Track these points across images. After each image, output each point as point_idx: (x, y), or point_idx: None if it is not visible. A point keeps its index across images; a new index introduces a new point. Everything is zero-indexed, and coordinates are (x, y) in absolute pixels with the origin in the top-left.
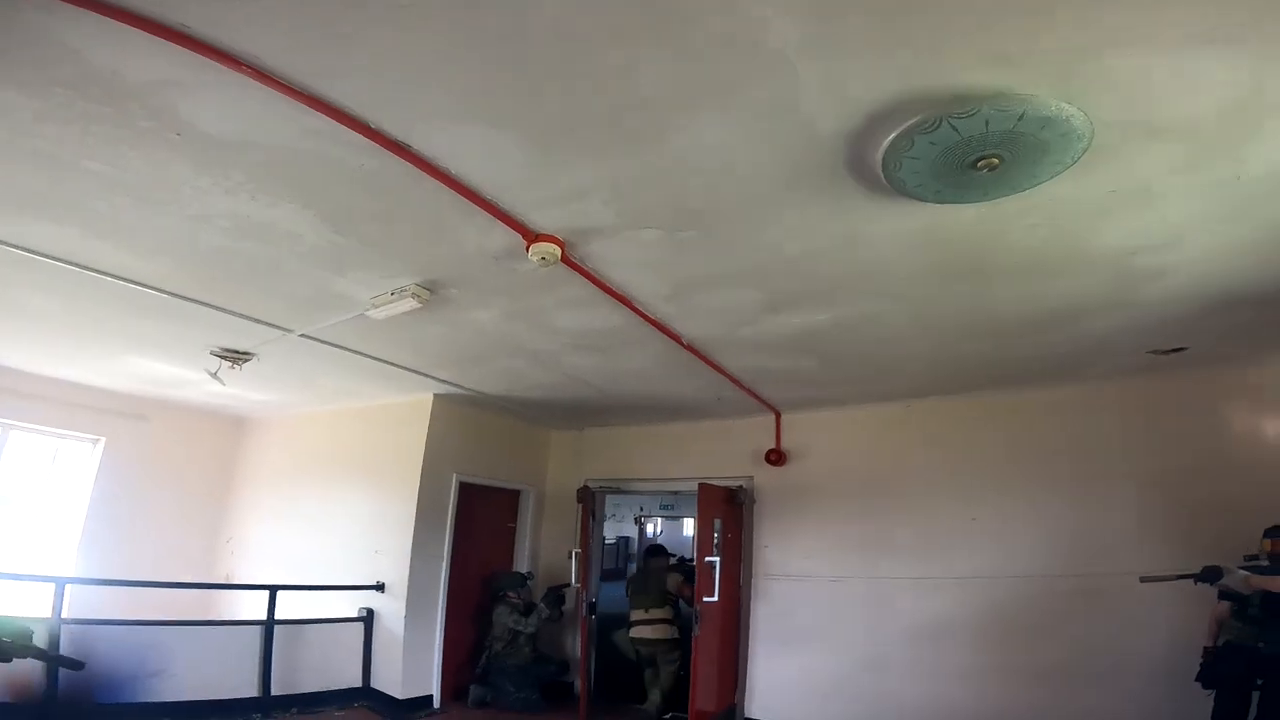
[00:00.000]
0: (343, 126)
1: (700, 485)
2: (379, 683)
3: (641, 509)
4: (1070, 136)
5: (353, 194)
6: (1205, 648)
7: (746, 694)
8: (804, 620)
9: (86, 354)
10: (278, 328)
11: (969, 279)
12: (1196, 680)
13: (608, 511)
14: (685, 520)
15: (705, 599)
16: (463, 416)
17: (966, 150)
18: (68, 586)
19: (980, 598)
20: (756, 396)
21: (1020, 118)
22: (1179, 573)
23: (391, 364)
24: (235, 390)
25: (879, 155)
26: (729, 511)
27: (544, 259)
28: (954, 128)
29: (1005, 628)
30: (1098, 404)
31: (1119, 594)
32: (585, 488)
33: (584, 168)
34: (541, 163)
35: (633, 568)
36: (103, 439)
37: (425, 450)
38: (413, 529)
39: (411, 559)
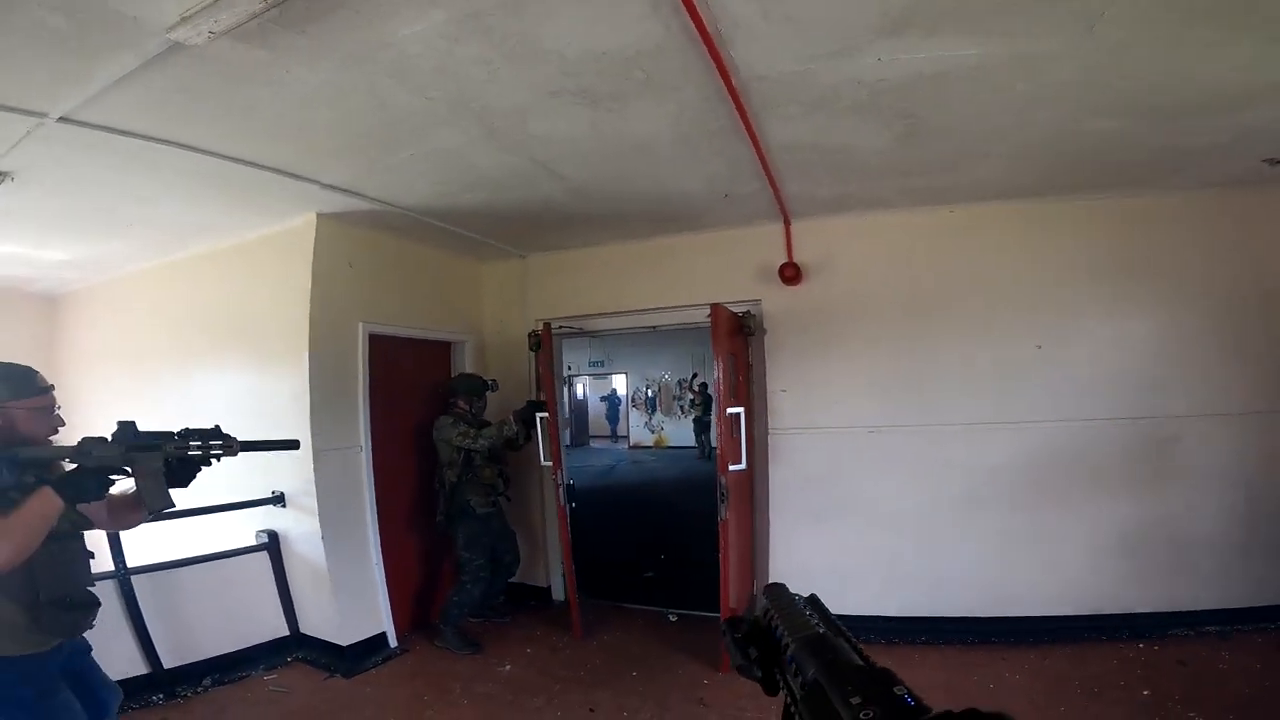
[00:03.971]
0: None
1: (714, 307)
2: (311, 627)
3: (570, 367)
4: None
5: None
6: None
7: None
8: (836, 486)
9: None
10: (22, 111)
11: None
12: None
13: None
14: (613, 378)
15: (732, 466)
16: (364, 244)
17: None
18: None
19: (1049, 447)
20: (776, 193)
21: None
22: None
23: (241, 161)
24: (15, 249)
25: None
26: (739, 346)
27: None
28: None
29: (1076, 484)
30: (1187, 214)
31: (1199, 440)
32: (546, 327)
33: None
34: None
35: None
36: None
37: (312, 293)
38: (309, 410)
39: (315, 454)
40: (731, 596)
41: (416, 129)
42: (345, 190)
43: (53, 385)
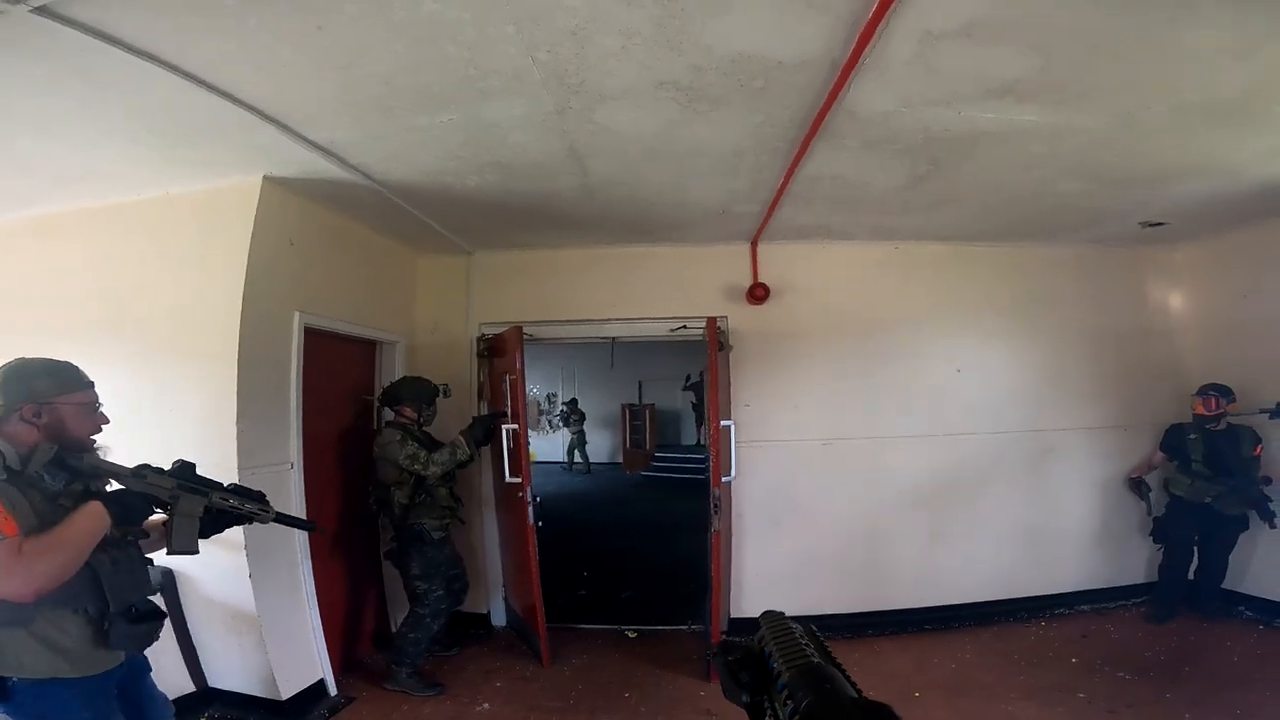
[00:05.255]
0: None
1: (710, 321)
2: (225, 680)
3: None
4: None
5: None
6: (1130, 478)
7: (735, 590)
8: (792, 494)
9: None
10: None
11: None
12: (1150, 535)
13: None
14: None
15: (724, 478)
16: (306, 219)
17: None
18: None
19: (965, 455)
20: (769, 216)
21: None
22: None
23: (228, 96)
24: None
25: None
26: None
27: None
28: None
29: (985, 486)
30: (1073, 264)
31: (1071, 450)
32: (517, 331)
33: None
34: None
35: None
36: None
37: (247, 274)
38: (235, 419)
39: (241, 474)
40: (721, 608)
41: (485, 91)
42: (325, 151)
43: (93, 381)
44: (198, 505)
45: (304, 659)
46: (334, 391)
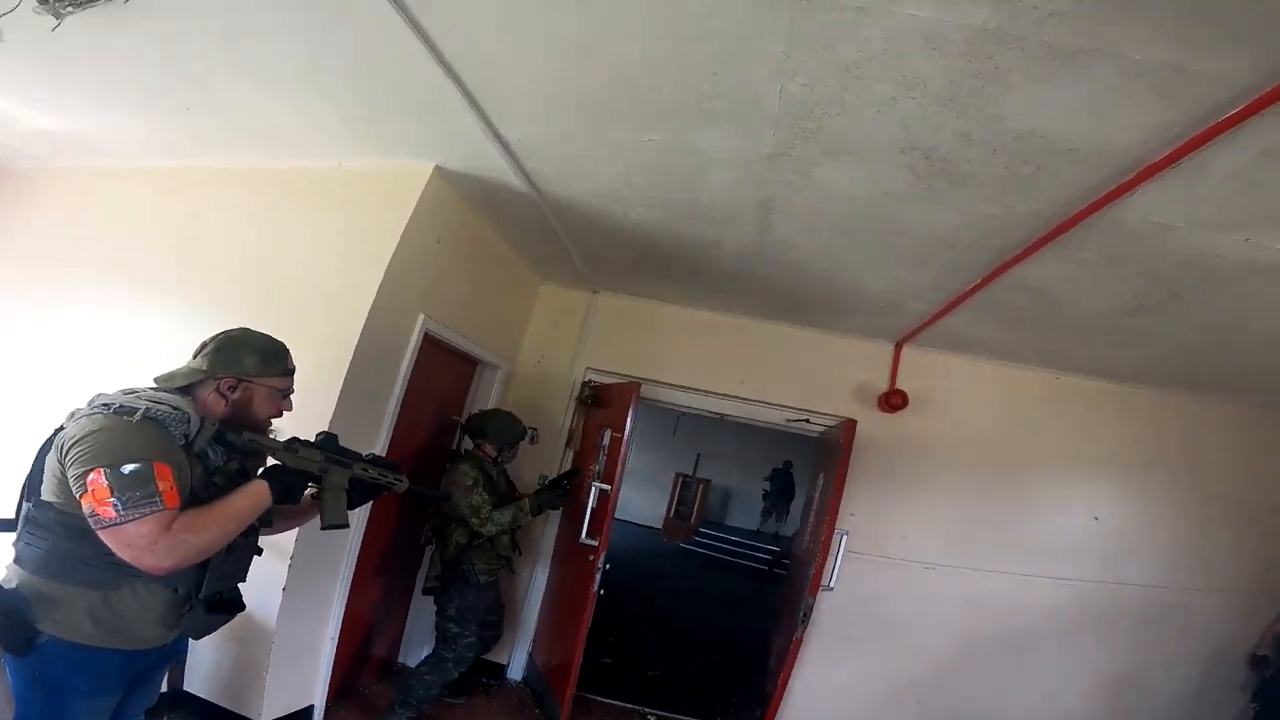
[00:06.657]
0: None
1: (849, 424)
2: (204, 686)
3: None
4: None
5: None
6: (1255, 655)
7: (781, 702)
8: (877, 612)
9: None
10: None
11: None
12: (1253, 695)
13: None
14: None
15: (823, 589)
16: (455, 218)
17: None
18: None
19: (1080, 602)
20: (935, 318)
21: None
22: None
23: (447, 69)
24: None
25: None
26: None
27: None
28: None
29: (1090, 633)
30: (1236, 423)
31: (1189, 609)
32: (634, 388)
33: None
34: None
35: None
36: None
37: (390, 263)
38: (331, 413)
39: None
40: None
41: (709, 114)
42: (507, 149)
43: (294, 368)
44: (344, 478)
45: (303, 682)
46: (425, 404)
